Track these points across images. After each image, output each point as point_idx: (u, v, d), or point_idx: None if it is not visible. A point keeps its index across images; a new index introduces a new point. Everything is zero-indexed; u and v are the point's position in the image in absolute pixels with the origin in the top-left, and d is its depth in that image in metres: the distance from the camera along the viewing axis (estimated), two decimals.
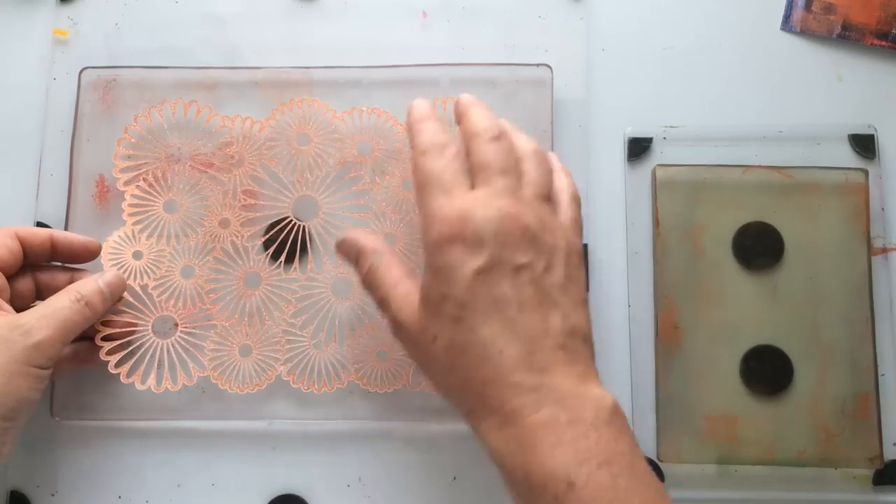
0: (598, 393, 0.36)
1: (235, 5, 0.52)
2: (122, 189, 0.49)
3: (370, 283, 0.41)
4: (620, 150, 0.50)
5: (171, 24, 0.52)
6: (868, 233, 0.48)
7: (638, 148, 0.50)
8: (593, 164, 0.50)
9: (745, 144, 0.50)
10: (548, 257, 0.37)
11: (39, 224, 0.49)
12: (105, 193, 0.49)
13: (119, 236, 0.48)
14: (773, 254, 0.48)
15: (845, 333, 0.47)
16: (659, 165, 0.49)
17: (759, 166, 0.49)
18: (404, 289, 0.39)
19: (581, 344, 0.37)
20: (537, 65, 0.50)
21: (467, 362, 0.36)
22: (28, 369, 0.40)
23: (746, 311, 0.48)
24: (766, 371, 0.47)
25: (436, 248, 0.36)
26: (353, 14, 0.52)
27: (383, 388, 0.47)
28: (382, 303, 0.40)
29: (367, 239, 0.42)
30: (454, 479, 0.47)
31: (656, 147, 0.50)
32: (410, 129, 0.40)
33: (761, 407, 0.47)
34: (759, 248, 0.48)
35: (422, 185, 0.38)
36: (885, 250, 0.49)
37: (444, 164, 0.38)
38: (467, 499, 0.47)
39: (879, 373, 0.47)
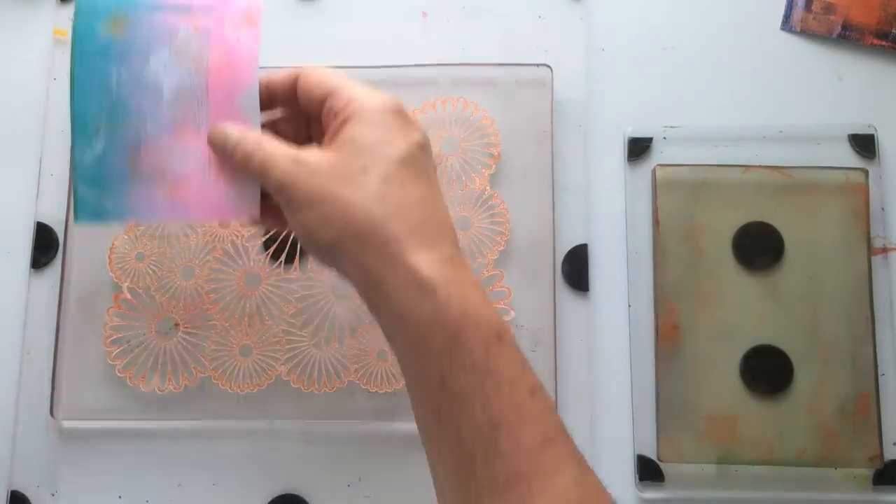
0: None
1: None
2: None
3: (254, 150, 0.39)
4: (620, 150, 0.50)
5: None
6: (868, 233, 0.48)
7: (638, 148, 0.50)
8: (593, 164, 0.50)
9: (745, 144, 0.50)
10: None
11: (40, 224, 0.49)
12: None
13: (123, 238, 0.48)
14: (773, 254, 0.48)
15: (845, 333, 0.47)
16: (659, 165, 0.49)
17: (759, 166, 0.49)
18: (299, 149, 0.39)
19: None
20: (537, 65, 0.50)
21: (405, 195, 0.37)
22: None
23: (746, 311, 0.48)
24: (766, 371, 0.47)
25: (380, 109, 0.38)
26: (353, 14, 0.52)
27: (383, 388, 0.47)
28: (271, 156, 0.39)
29: (237, 125, 0.41)
30: None
31: (656, 147, 0.50)
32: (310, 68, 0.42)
33: (761, 407, 0.47)
34: (759, 248, 0.48)
35: (348, 78, 0.40)
36: (885, 250, 0.49)
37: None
38: None
39: (879, 373, 0.47)
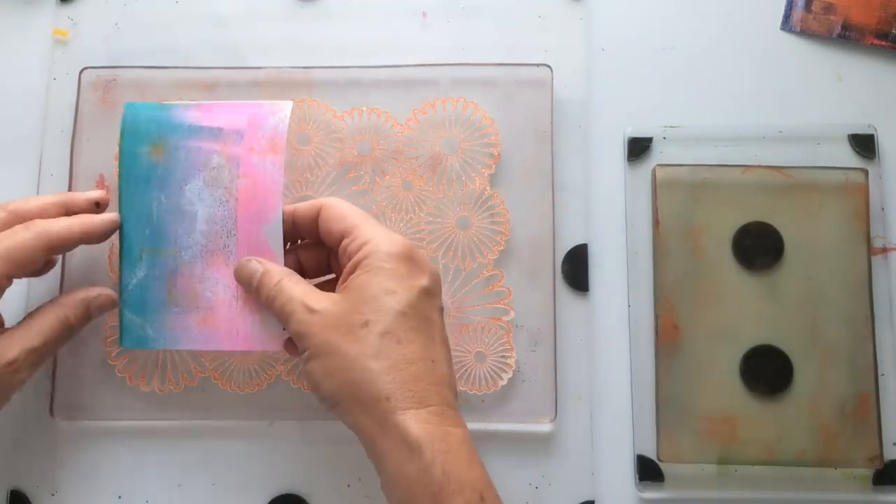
0: None
1: (235, 5, 0.52)
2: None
3: (276, 293, 0.41)
4: (620, 150, 0.50)
5: (171, 24, 0.52)
6: (868, 233, 0.48)
7: (638, 148, 0.50)
8: (593, 164, 0.50)
9: (745, 144, 0.50)
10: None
11: None
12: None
13: None
14: (773, 254, 0.48)
15: (845, 333, 0.47)
16: (659, 165, 0.49)
17: (759, 166, 0.49)
18: (316, 291, 0.41)
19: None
20: (537, 65, 0.50)
21: (402, 353, 0.38)
22: None
23: (746, 311, 0.48)
24: (766, 371, 0.47)
25: (388, 255, 0.39)
26: (353, 14, 0.52)
27: None
28: (289, 302, 0.40)
29: (269, 263, 0.43)
30: None
31: (656, 147, 0.50)
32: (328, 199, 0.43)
33: (761, 407, 0.47)
34: (759, 248, 0.48)
35: (363, 216, 0.42)
36: (885, 250, 0.49)
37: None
38: None
39: (879, 373, 0.47)
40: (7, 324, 0.44)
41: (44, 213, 0.43)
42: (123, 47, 0.52)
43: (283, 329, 0.42)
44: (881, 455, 0.46)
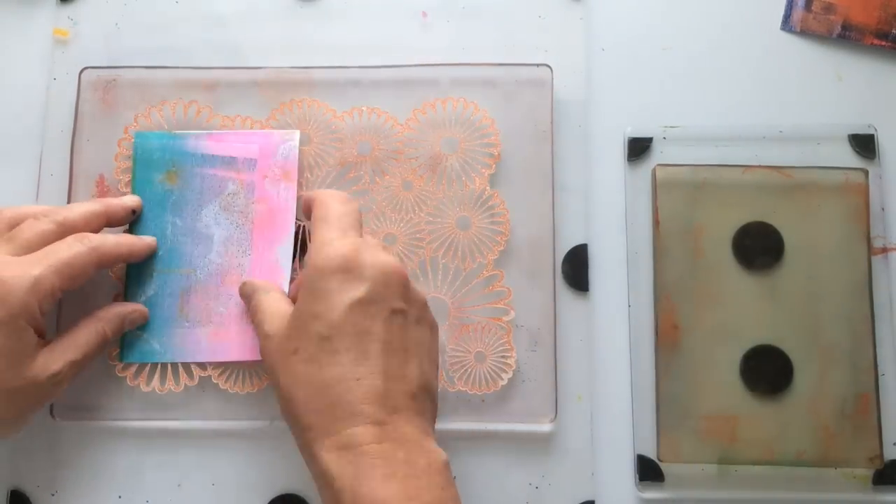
0: (434, 447, 0.38)
1: (235, 5, 0.52)
2: (123, 190, 0.49)
3: (255, 309, 0.43)
4: (620, 150, 0.50)
5: (171, 24, 0.52)
6: (868, 233, 0.48)
7: (638, 148, 0.50)
8: (593, 164, 0.50)
9: (745, 144, 0.50)
10: (418, 313, 0.41)
11: None
12: (105, 193, 0.49)
13: None
14: (773, 254, 0.48)
15: (845, 333, 0.47)
16: (659, 165, 0.49)
17: (759, 166, 0.49)
18: (280, 310, 0.42)
19: (429, 401, 0.40)
20: (537, 65, 0.50)
21: (322, 379, 0.38)
22: (20, 324, 0.39)
23: (746, 311, 0.48)
24: (766, 371, 0.47)
25: (319, 272, 0.39)
26: (353, 14, 0.52)
27: None
28: (255, 318, 0.43)
29: (263, 281, 0.45)
30: (454, 479, 0.47)
31: (656, 147, 0.50)
32: (316, 196, 0.43)
33: (761, 407, 0.47)
34: (759, 248, 0.48)
35: (322, 218, 0.41)
36: (885, 250, 0.49)
37: (347, 210, 0.42)
38: (467, 499, 0.46)
39: (879, 373, 0.47)
40: None
41: (89, 224, 0.44)
42: (123, 47, 0.52)
43: None
44: (881, 455, 0.46)
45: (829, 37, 0.52)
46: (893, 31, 0.52)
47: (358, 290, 0.38)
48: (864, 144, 0.50)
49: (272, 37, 0.52)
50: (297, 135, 0.48)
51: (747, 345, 0.47)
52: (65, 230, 0.43)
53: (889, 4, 0.52)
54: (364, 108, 0.50)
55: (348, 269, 0.39)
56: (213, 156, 0.48)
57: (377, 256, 0.39)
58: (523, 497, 0.46)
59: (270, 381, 0.41)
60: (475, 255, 0.48)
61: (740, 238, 0.48)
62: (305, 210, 0.44)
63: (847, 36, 0.52)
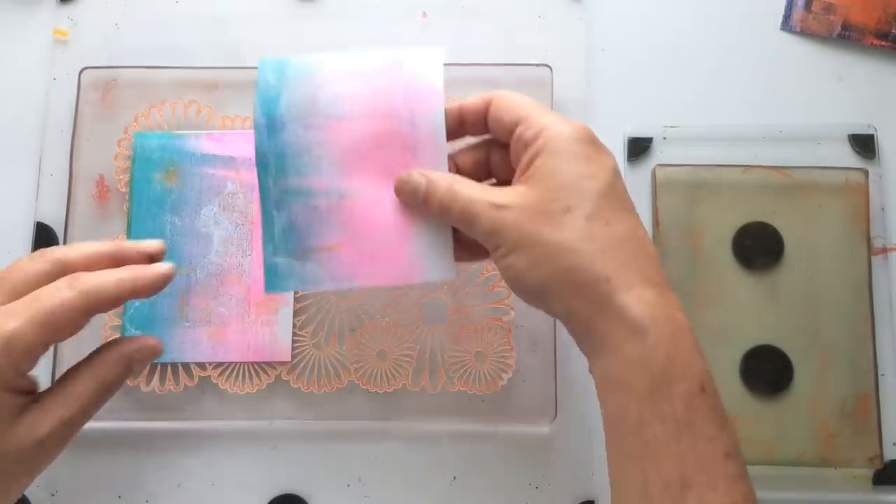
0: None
1: (235, 5, 0.52)
2: (123, 190, 0.49)
3: (451, 199, 0.39)
4: (620, 150, 0.50)
5: (171, 24, 0.52)
6: (868, 233, 0.48)
7: (638, 148, 0.50)
8: None
9: (745, 144, 0.50)
10: None
11: (39, 224, 0.49)
12: (105, 193, 0.49)
13: (121, 238, 0.48)
14: (773, 254, 0.48)
15: (845, 333, 0.47)
16: (659, 165, 0.49)
17: (759, 166, 0.49)
18: (493, 188, 0.39)
19: None
20: (537, 65, 0.50)
21: (612, 233, 0.36)
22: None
23: (746, 311, 0.48)
24: (766, 371, 0.47)
25: (576, 139, 0.38)
26: (353, 14, 0.52)
27: (383, 388, 0.47)
28: (471, 204, 0.38)
29: (432, 172, 0.40)
30: (454, 479, 0.47)
31: (656, 147, 0.50)
32: (495, 93, 0.41)
33: (761, 407, 0.47)
34: (759, 248, 0.48)
35: (530, 103, 0.39)
36: (885, 250, 0.49)
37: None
38: (467, 499, 0.47)
39: (879, 373, 0.47)
40: None
41: (89, 267, 0.37)
42: (123, 47, 0.52)
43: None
44: (881, 455, 0.46)
45: (829, 37, 0.52)
46: (893, 31, 0.52)
47: (610, 159, 0.38)
48: (864, 144, 0.50)
49: (272, 37, 0.52)
50: None
51: (747, 345, 0.47)
52: (60, 272, 0.37)
53: (889, 4, 0.52)
54: None
55: (595, 142, 0.38)
56: (212, 155, 0.48)
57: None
58: (523, 497, 0.46)
59: (511, 251, 0.37)
60: None
61: (740, 238, 0.48)
62: (469, 111, 0.41)
63: (847, 36, 0.52)
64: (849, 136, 0.50)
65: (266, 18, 0.52)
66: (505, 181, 0.41)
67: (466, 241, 0.40)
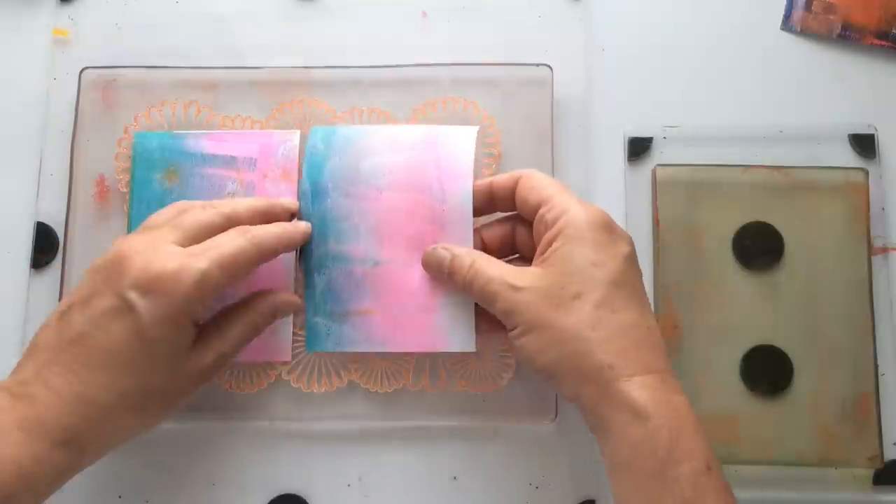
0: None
1: (235, 5, 0.52)
2: (123, 190, 0.49)
3: (473, 276, 0.41)
4: (620, 150, 0.50)
5: (171, 24, 0.52)
6: (868, 233, 0.48)
7: (638, 148, 0.50)
8: (593, 164, 0.50)
9: (745, 144, 0.50)
10: None
11: (39, 224, 0.49)
12: (105, 193, 0.49)
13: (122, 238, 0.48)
14: (773, 254, 0.48)
15: (845, 333, 0.47)
16: (659, 165, 0.49)
17: (759, 166, 0.49)
18: (512, 268, 0.41)
19: None
20: (537, 65, 0.50)
21: (618, 321, 0.38)
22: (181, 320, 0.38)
23: (746, 311, 0.48)
24: (766, 371, 0.47)
25: (590, 226, 0.40)
26: (353, 14, 0.52)
27: (383, 388, 0.47)
28: (490, 283, 0.41)
29: (457, 247, 0.44)
30: (454, 479, 0.47)
31: (656, 147, 0.50)
32: (523, 173, 0.43)
33: (761, 407, 0.47)
34: (759, 248, 0.48)
35: (552, 184, 0.42)
36: (885, 250, 0.49)
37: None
38: (467, 499, 0.47)
39: (879, 373, 0.47)
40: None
41: (252, 220, 0.43)
42: (123, 47, 0.52)
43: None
44: (881, 455, 0.46)
45: (829, 37, 0.52)
46: (893, 31, 0.52)
47: (625, 247, 0.40)
48: (864, 144, 0.50)
49: (272, 37, 0.52)
50: (297, 135, 0.48)
51: (747, 345, 0.47)
52: (230, 224, 0.42)
53: (889, 4, 0.52)
54: (364, 108, 0.50)
55: (612, 229, 0.40)
56: (212, 155, 0.48)
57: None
58: (523, 497, 0.46)
59: (524, 332, 0.39)
60: None
61: (740, 238, 0.48)
62: (498, 188, 0.43)
63: (847, 36, 0.52)
64: (849, 135, 0.50)
65: (266, 18, 0.52)
66: (529, 257, 0.42)
67: (488, 314, 0.42)
